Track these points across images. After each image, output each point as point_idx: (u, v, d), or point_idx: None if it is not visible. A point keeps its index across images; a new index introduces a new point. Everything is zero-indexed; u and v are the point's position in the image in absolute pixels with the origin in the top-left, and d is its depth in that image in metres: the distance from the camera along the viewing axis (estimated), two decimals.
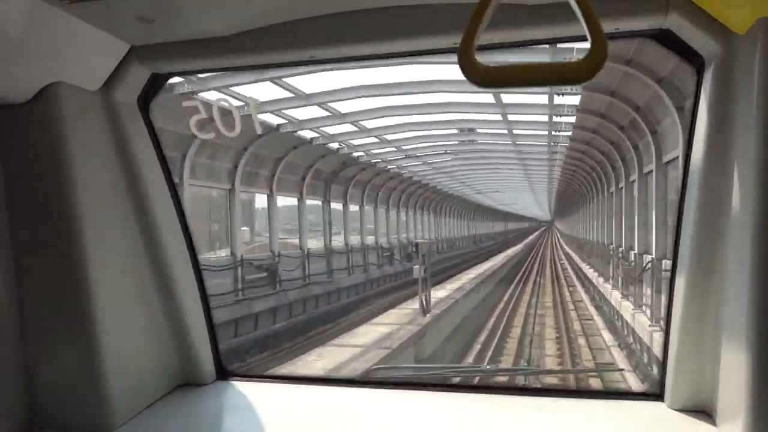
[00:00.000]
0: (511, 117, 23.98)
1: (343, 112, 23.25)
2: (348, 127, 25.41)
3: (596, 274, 32.31)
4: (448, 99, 22.64)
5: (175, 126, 16.61)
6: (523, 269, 53.42)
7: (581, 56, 1.45)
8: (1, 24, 2.22)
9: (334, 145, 27.90)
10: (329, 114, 23.17)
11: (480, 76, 1.48)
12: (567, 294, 37.41)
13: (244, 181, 24.78)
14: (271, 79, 18.36)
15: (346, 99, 21.39)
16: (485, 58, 1.49)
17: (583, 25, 1.42)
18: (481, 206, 73.73)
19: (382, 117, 24.23)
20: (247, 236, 27.25)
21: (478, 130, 27.42)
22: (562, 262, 59.63)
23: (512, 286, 40.35)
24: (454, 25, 2.32)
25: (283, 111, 21.94)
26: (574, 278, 43.93)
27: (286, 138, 24.49)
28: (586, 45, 1.44)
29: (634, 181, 22.57)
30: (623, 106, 19.33)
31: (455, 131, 27.31)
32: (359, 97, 21.21)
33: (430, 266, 24.04)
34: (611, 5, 2.32)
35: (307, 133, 25.19)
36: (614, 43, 2.49)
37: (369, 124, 25.13)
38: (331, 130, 25.51)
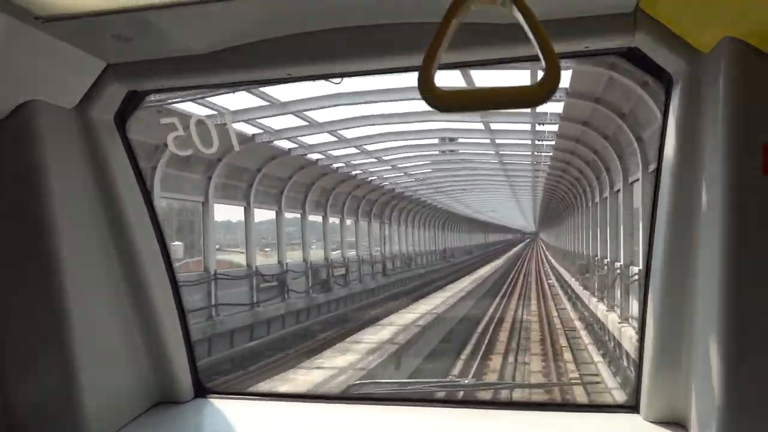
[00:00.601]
0: (493, 125, 24.11)
1: (320, 121, 23.25)
2: (326, 137, 25.41)
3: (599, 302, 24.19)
4: (424, 107, 22.60)
5: (144, 136, 16.49)
6: (500, 294, 39.66)
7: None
8: None
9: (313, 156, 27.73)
10: (306, 123, 23.13)
11: (439, 101, 1.55)
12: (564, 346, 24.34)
13: (219, 194, 23.64)
14: (246, 89, 18.27)
15: (320, 108, 21.31)
16: (452, 76, 1.56)
17: (537, 49, 1.50)
18: (455, 215, 65.49)
19: (361, 126, 24.27)
20: (181, 252, 22.80)
21: (460, 140, 27.55)
22: (550, 282, 48.50)
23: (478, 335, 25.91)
24: (425, 44, 2.45)
25: (257, 120, 21.81)
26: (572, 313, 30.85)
27: (263, 148, 24.30)
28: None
29: (618, 191, 22.65)
30: (608, 113, 19.39)
31: (436, 140, 27.27)
32: (334, 106, 21.14)
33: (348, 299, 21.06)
34: (580, 25, 2.46)
35: (284, 143, 25.07)
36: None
37: (347, 133, 25.12)
38: (309, 140, 25.36)
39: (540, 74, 1.50)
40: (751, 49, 2.23)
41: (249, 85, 3.25)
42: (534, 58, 2.68)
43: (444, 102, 1.55)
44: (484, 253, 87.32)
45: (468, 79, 13.15)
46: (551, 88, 1.48)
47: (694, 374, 2.64)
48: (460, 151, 30.09)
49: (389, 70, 2.94)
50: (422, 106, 21.87)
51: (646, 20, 2.42)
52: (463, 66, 2.75)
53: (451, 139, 27.22)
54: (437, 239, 62.05)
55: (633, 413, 3.04)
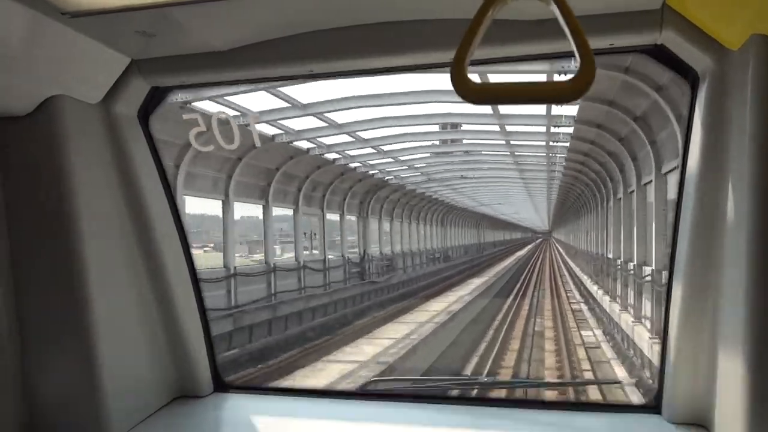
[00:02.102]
0: (509, 128, 24.18)
1: (339, 122, 23.33)
2: (344, 137, 25.43)
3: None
4: (444, 110, 22.80)
5: (170, 136, 16.61)
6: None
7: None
8: (2, 37, 2.27)
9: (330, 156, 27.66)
10: (325, 124, 23.23)
11: (472, 94, 1.53)
12: None
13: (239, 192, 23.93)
14: (266, 89, 18.38)
15: (340, 109, 21.42)
16: (480, 71, 1.53)
17: (572, 44, 1.47)
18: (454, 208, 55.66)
19: (378, 128, 24.33)
20: None
21: (476, 141, 27.61)
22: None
23: None
24: (451, 41, 2.38)
25: (278, 121, 21.96)
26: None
27: (282, 148, 24.43)
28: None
29: (633, 191, 22.55)
30: (621, 116, 19.45)
31: (437, 129, 27.11)
32: (354, 107, 21.23)
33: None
34: (606, 21, 2.41)
35: (303, 144, 25.17)
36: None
37: (365, 134, 25.10)
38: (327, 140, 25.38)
39: (556, 77, 1.44)
40: None
41: (272, 81, 3.23)
42: (559, 55, 2.64)
43: (477, 95, 1.54)
44: (482, 255, 75.61)
45: (484, 78, 13.12)
46: (586, 83, 1.45)
47: (718, 375, 2.59)
48: (480, 152, 30.13)
49: (414, 67, 2.89)
50: (437, 108, 22.25)
51: (673, 17, 2.37)
52: (488, 63, 2.71)
53: (454, 126, 27.14)
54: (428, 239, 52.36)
55: (655, 414, 2.98)
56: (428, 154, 31.15)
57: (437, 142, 28.72)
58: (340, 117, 22.86)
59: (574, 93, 1.46)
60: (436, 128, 26.43)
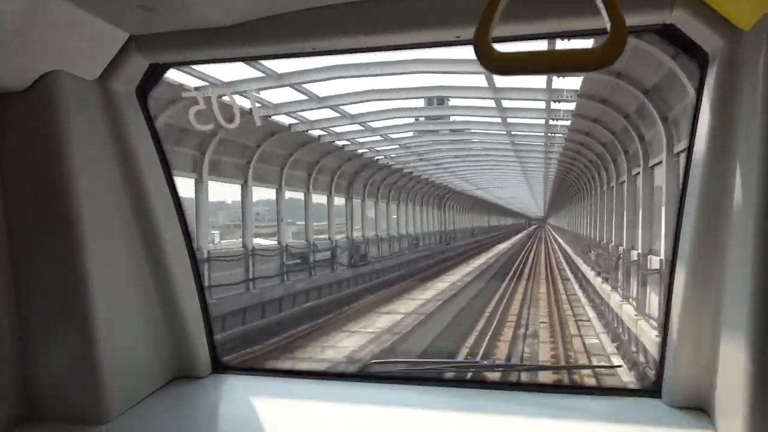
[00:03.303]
0: (506, 104, 23.99)
1: (321, 95, 23.18)
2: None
3: None
4: (432, 82, 22.70)
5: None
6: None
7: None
8: (0, 12, 2.37)
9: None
10: (305, 97, 23.06)
11: (497, 64, 1.58)
12: None
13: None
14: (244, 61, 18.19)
15: (319, 80, 21.18)
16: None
17: (602, 9, 1.51)
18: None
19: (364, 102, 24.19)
20: None
21: (467, 118, 27.60)
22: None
23: None
24: (459, 18, 2.53)
25: (252, 93, 21.60)
26: None
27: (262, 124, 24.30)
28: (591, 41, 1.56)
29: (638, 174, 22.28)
30: (630, 89, 18.73)
31: (419, 104, 26.84)
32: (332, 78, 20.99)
33: None
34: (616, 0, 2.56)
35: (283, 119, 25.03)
36: None
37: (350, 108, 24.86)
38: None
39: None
40: None
41: (271, 58, 3.33)
42: (581, 33, 2.74)
43: (500, 64, 1.59)
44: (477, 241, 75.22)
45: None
46: (619, 48, 1.51)
47: (719, 360, 2.72)
48: (470, 129, 30.09)
49: (421, 44, 2.98)
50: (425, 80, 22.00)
51: None
52: (508, 40, 2.81)
53: (441, 100, 27.05)
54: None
55: (655, 398, 3.13)
56: (411, 133, 30.98)
57: (422, 118, 28.44)
58: (320, 89, 22.72)
59: (605, 59, 1.53)
60: (421, 103, 26.25)
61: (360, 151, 32.13)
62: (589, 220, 37.60)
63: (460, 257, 56.31)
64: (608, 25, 1.51)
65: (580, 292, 33.74)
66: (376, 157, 34.73)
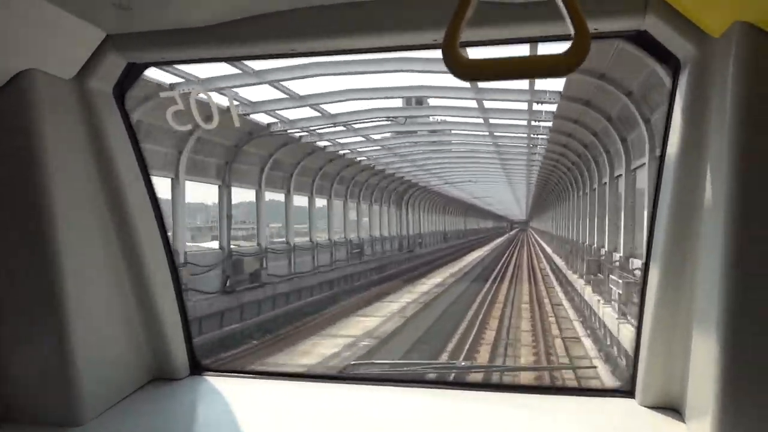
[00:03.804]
0: (487, 104, 24.12)
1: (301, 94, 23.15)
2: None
3: None
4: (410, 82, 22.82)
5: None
6: None
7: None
8: None
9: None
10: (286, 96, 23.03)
11: (465, 70, 1.62)
12: None
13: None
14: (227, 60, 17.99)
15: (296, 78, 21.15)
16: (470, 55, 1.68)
17: (566, 16, 1.55)
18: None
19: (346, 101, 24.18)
20: None
21: (450, 119, 27.71)
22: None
23: None
24: (437, 21, 2.60)
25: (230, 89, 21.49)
26: None
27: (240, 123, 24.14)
28: (567, 44, 1.57)
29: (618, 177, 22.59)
30: (613, 91, 19.01)
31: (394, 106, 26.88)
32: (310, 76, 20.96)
33: None
34: (590, 6, 2.54)
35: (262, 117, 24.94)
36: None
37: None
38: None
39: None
40: (762, 34, 2.32)
41: (250, 59, 3.37)
42: (551, 39, 2.85)
43: (468, 70, 1.63)
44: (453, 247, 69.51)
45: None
46: (580, 55, 1.56)
47: (691, 360, 2.81)
48: (451, 130, 30.24)
49: (398, 47, 3.03)
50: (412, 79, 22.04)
51: (656, 3, 2.54)
52: (479, 45, 2.87)
53: (419, 101, 27.13)
54: None
55: (628, 398, 3.22)
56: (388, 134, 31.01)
57: (402, 119, 28.30)
58: (299, 87, 22.67)
59: (569, 65, 1.58)
60: (399, 103, 26.28)
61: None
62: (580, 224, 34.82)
63: (420, 270, 46.32)
64: (572, 32, 1.56)
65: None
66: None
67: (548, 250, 61.91)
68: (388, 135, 32.22)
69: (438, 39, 2.80)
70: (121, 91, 3.30)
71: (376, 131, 30.47)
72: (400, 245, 49.44)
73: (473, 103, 24.10)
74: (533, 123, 25.67)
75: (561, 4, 1.56)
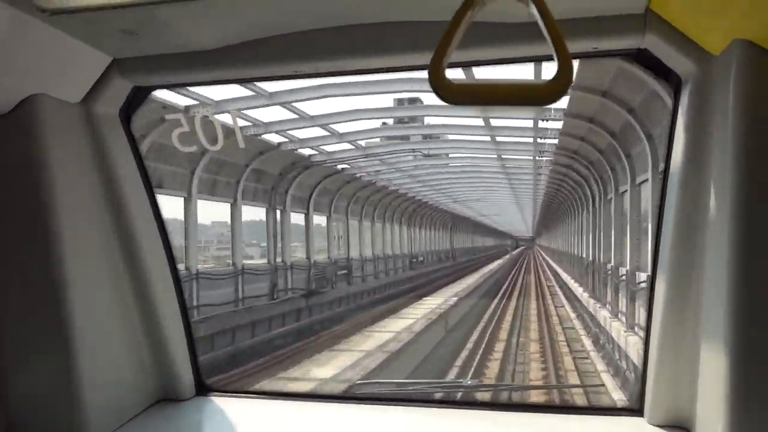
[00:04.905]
0: (494, 122, 24.28)
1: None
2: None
3: None
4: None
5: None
6: None
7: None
8: None
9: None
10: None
11: (450, 94, 1.62)
12: None
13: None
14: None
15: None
16: (459, 75, 1.64)
17: (551, 46, 1.57)
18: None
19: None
20: None
21: (449, 136, 27.75)
22: None
23: None
24: (433, 43, 2.60)
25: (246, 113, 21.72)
26: None
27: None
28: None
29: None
30: (616, 108, 19.16)
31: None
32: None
33: None
34: (589, 25, 2.58)
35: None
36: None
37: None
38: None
39: (544, 69, 1.57)
40: (761, 52, 2.32)
41: (255, 81, 3.37)
42: (540, 58, 2.83)
43: (455, 96, 1.63)
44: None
45: (469, 74, 13.23)
46: (563, 86, 1.55)
47: (700, 377, 2.75)
48: (460, 148, 30.30)
49: (397, 68, 3.03)
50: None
51: (656, 21, 2.53)
52: (469, 65, 2.86)
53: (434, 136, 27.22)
54: None
55: (637, 416, 3.15)
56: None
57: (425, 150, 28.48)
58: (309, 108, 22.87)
59: (552, 95, 1.57)
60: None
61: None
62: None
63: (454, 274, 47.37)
64: (556, 64, 1.55)
65: None
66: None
67: (557, 269, 58.65)
68: (409, 159, 33.00)
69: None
70: (127, 114, 3.29)
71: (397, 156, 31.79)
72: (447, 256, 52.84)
73: (480, 121, 24.22)
74: (539, 140, 25.74)
75: (547, 35, 1.55)
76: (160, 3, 2.38)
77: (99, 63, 2.97)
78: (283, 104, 21.47)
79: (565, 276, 48.01)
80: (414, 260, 53.26)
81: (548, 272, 62.90)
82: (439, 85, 1.60)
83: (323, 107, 24.41)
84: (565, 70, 1.54)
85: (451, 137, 28.82)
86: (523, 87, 1.59)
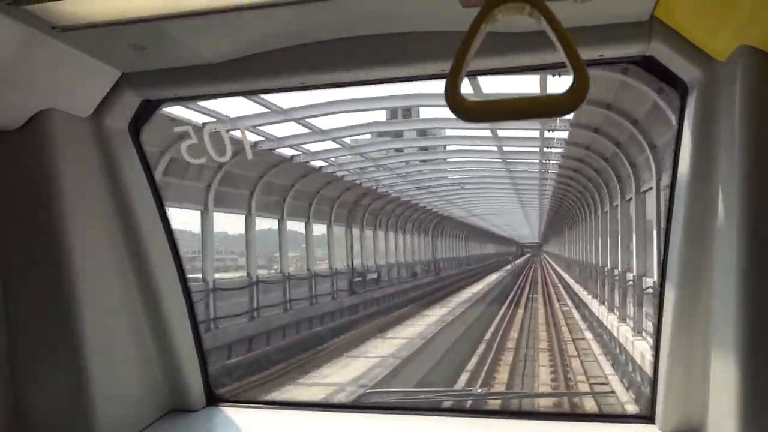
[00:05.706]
0: (501, 132, 24.29)
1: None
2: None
3: None
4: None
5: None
6: None
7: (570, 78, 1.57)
8: None
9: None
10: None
11: (466, 112, 1.61)
12: None
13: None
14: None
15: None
16: (474, 84, 1.63)
17: (565, 58, 1.56)
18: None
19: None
20: None
21: (453, 147, 27.81)
22: None
23: None
24: (440, 52, 2.56)
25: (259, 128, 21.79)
26: None
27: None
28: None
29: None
30: (619, 119, 19.31)
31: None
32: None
33: None
34: (595, 33, 2.55)
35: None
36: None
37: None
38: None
39: (549, 80, 1.55)
40: (767, 57, 2.29)
41: (263, 93, 3.36)
42: (549, 66, 2.80)
43: (471, 112, 1.62)
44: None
45: (475, 85, 13.20)
46: (580, 96, 1.54)
47: (711, 383, 2.70)
48: (469, 160, 30.29)
49: (404, 78, 3.01)
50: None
51: (661, 29, 2.50)
52: (475, 74, 2.84)
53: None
54: None
55: (648, 423, 3.09)
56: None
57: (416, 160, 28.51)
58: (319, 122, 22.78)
59: (571, 105, 1.55)
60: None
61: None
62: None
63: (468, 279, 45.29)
64: (571, 74, 1.54)
65: None
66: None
67: (564, 275, 56.81)
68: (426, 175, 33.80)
69: (445, 69, 2.76)
70: (136, 127, 3.27)
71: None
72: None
73: (487, 132, 24.23)
74: (545, 149, 25.75)
75: (559, 47, 1.54)
76: (168, 18, 2.38)
77: (108, 77, 2.96)
78: (297, 120, 21.50)
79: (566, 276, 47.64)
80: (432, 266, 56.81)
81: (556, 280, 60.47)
82: (455, 103, 1.60)
83: (337, 121, 24.14)
84: (581, 77, 1.54)
85: (456, 148, 28.83)
86: (540, 100, 1.62)
